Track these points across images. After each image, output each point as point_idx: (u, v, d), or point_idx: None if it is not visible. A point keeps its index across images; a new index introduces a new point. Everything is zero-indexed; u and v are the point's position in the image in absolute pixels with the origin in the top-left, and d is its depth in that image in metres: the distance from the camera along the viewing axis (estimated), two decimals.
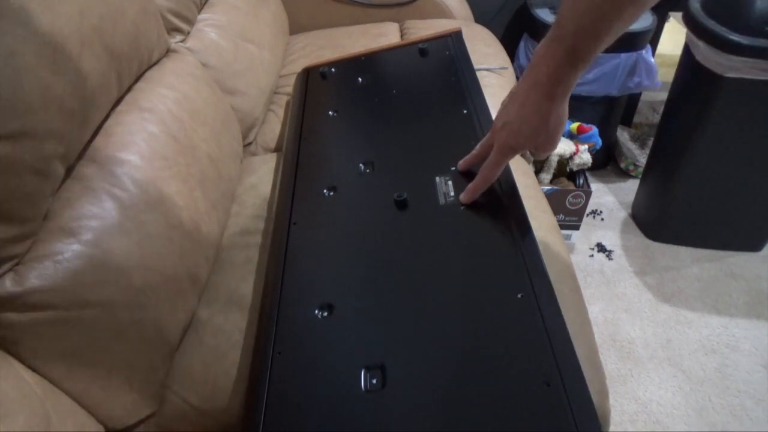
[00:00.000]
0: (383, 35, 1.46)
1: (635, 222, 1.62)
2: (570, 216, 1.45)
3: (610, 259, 1.51)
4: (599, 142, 1.48)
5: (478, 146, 0.71)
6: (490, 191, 0.70)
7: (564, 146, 1.43)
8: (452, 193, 0.72)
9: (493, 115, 0.74)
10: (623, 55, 1.51)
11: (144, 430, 0.72)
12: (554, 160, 1.44)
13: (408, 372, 0.55)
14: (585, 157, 1.44)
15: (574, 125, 1.48)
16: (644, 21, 1.52)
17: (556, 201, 1.40)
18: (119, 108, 0.80)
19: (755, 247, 1.51)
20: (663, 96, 1.58)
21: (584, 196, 1.40)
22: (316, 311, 0.64)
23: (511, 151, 0.66)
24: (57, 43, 0.63)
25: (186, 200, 0.81)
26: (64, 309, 0.61)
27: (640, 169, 1.70)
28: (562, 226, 1.45)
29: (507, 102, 0.65)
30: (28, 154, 0.58)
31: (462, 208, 0.70)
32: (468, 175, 0.74)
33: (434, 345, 0.57)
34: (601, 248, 1.54)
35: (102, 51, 0.72)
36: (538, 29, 1.58)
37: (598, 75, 1.53)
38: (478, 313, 0.58)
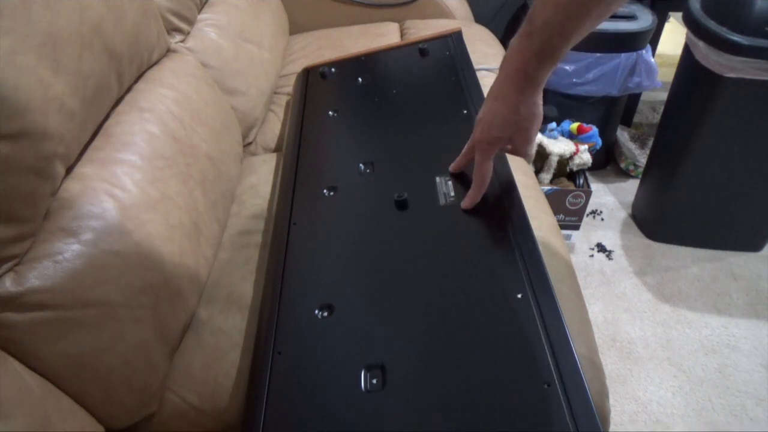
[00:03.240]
0: (383, 35, 1.46)
1: (635, 222, 1.62)
2: (570, 216, 1.45)
3: (610, 259, 1.51)
4: (599, 142, 1.48)
5: (465, 146, 0.72)
6: (489, 191, 0.70)
7: (564, 146, 1.43)
8: (452, 194, 0.72)
9: None
10: (623, 55, 1.51)
11: (144, 430, 0.72)
12: (554, 160, 1.44)
13: (408, 372, 0.55)
14: (585, 157, 1.44)
15: (574, 125, 1.48)
16: (644, 21, 1.52)
17: (556, 201, 1.40)
18: (119, 108, 0.80)
19: (755, 247, 1.51)
20: (663, 96, 1.58)
21: (584, 196, 1.40)
22: (316, 311, 0.64)
23: (488, 146, 0.66)
24: (57, 43, 0.63)
25: (186, 200, 0.81)
26: (64, 309, 0.61)
27: (640, 169, 1.70)
28: (562, 226, 1.45)
29: (485, 100, 0.66)
30: (28, 154, 0.58)
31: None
32: (462, 175, 0.74)
33: (434, 345, 0.57)
34: (601, 248, 1.54)
35: (102, 51, 0.72)
36: None
37: (598, 75, 1.53)
38: (478, 314, 0.58)
